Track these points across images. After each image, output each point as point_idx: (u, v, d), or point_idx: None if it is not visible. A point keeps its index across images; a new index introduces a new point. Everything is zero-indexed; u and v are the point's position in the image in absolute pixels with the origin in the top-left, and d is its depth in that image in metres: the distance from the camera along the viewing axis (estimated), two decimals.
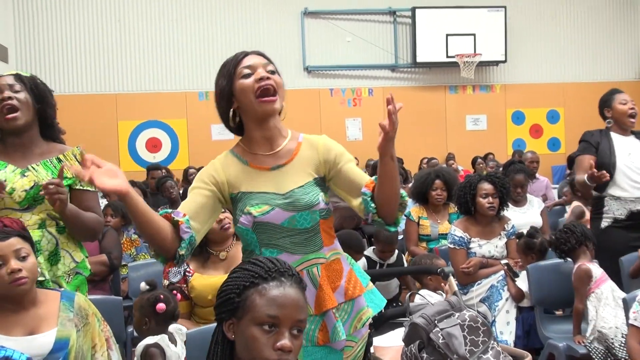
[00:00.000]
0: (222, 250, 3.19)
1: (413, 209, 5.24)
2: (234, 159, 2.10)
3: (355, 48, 12.01)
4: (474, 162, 10.53)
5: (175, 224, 1.93)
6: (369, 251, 4.48)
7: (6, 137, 2.57)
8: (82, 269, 2.62)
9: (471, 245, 4.24)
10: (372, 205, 1.99)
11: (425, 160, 10.60)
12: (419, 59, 11.90)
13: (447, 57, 11.83)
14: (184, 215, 1.95)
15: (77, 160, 2.57)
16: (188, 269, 3.14)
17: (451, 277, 2.84)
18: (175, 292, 2.91)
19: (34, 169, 2.51)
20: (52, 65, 11.24)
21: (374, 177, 2.02)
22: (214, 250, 3.17)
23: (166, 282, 3.16)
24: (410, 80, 12.37)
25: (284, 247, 1.99)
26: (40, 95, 2.57)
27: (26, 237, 2.18)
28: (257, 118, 2.02)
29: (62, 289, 2.44)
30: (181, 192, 6.84)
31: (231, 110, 2.06)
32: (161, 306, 2.71)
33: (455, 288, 2.74)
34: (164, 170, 8.82)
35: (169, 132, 11.55)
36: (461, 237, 4.24)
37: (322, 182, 2.10)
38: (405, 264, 4.58)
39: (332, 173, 2.09)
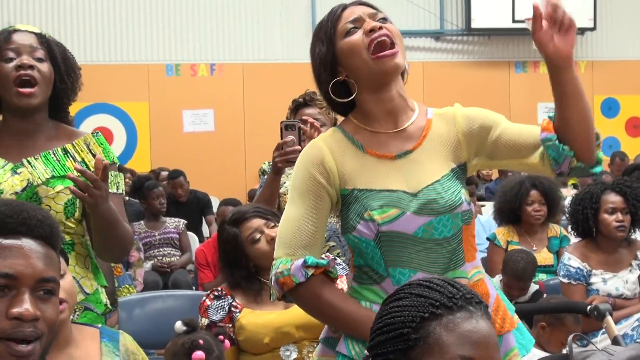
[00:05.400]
0: None
1: (499, 230, 5.35)
2: (344, 140, 2.18)
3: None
4: None
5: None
6: None
7: (7, 117, 2.58)
8: (93, 303, 2.58)
9: (592, 280, 4.33)
10: (565, 147, 2.06)
11: None
12: (474, 24, 12.03)
13: (514, 21, 11.91)
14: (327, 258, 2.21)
15: (90, 151, 2.60)
16: (234, 303, 3.19)
17: (609, 317, 2.94)
18: (221, 336, 2.95)
19: (29, 163, 2.53)
20: None
21: (546, 116, 2.12)
22: (268, 279, 3.22)
23: (205, 321, 3.21)
24: (461, 54, 12.49)
25: (419, 266, 2.09)
26: (67, 71, 2.60)
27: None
28: (375, 83, 2.13)
29: (100, 325, 2.41)
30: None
31: (336, 82, 2.16)
32: (199, 355, 2.73)
33: (616, 332, 2.83)
34: (128, 175, 8.87)
35: (124, 119, 11.57)
36: (579, 268, 4.32)
37: (463, 173, 2.20)
38: None
39: (485, 148, 2.19)
